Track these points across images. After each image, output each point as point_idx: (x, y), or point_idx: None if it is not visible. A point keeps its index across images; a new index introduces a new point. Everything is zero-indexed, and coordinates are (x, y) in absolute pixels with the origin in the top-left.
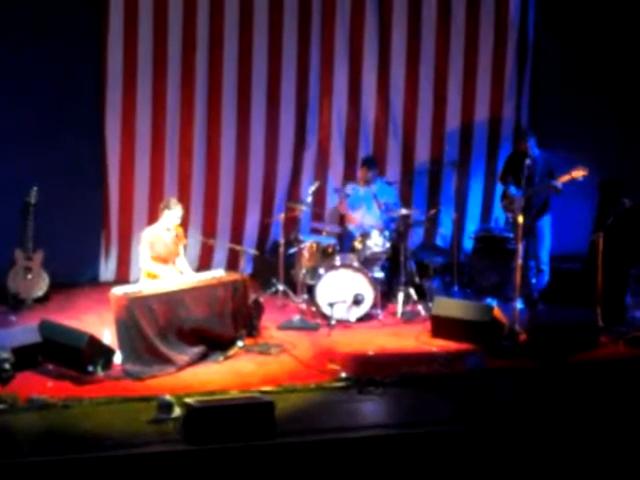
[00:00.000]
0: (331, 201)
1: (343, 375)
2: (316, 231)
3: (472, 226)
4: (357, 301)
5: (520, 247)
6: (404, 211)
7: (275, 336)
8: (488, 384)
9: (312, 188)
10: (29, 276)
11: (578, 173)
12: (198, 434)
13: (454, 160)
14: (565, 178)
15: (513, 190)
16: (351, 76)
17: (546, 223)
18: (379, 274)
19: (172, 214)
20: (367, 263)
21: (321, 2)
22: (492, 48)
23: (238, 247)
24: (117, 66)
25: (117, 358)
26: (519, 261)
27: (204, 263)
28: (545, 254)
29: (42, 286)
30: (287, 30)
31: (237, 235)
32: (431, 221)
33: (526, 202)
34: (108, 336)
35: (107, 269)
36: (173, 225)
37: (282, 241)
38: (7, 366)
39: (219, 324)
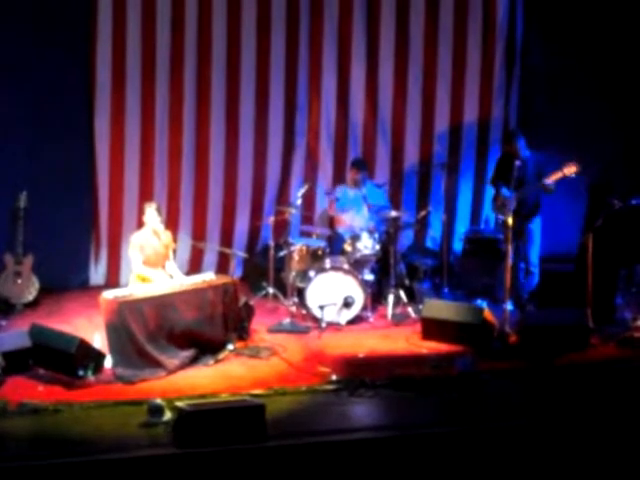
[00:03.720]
0: (321, 204)
1: (334, 378)
2: (306, 234)
3: (462, 228)
4: (347, 304)
5: (510, 248)
6: (394, 213)
7: (265, 339)
8: (479, 386)
9: (301, 191)
10: (19, 280)
11: (570, 170)
12: (189, 438)
13: (443, 162)
14: (557, 175)
15: (505, 191)
16: (340, 78)
17: (536, 225)
18: (369, 276)
19: (148, 216)
20: (357, 265)
21: (309, 4)
22: (480, 50)
23: (228, 250)
24: (106, 69)
25: (108, 362)
26: (509, 262)
27: (194, 266)
28: (535, 256)
29: (32, 290)
30: (275, 32)
31: (227, 238)
32: (421, 223)
33: (518, 204)
34: (98, 340)
35: (97, 273)
36: (157, 226)
37: (272, 244)
38: None
39: (209, 327)
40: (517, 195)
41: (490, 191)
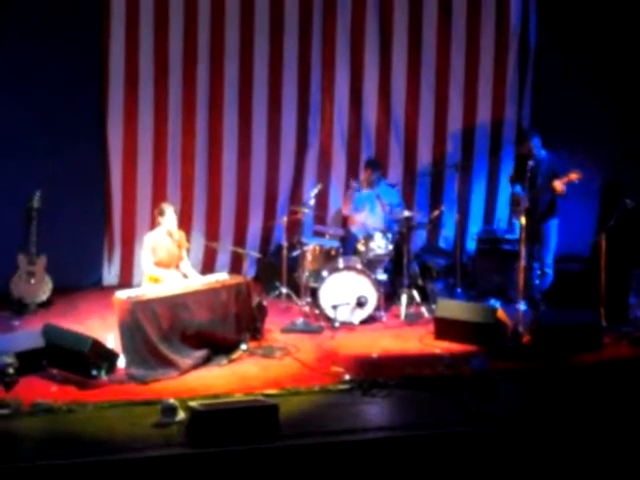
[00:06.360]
0: (334, 204)
1: (347, 378)
2: (319, 234)
3: (475, 228)
4: (360, 303)
5: (523, 248)
6: (407, 213)
7: (279, 339)
8: (492, 386)
9: (314, 191)
10: (32, 281)
11: (573, 176)
12: (202, 437)
13: (456, 162)
14: (563, 180)
15: (518, 189)
16: (352, 78)
17: (552, 227)
18: (382, 276)
19: (167, 218)
20: (370, 265)
21: (322, 4)
22: (493, 50)
23: (241, 250)
24: (119, 71)
25: (121, 362)
26: (522, 262)
27: (207, 266)
28: (550, 257)
29: (45, 290)
30: (288, 33)
31: (240, 238)
32: (434, 223)
33: (531, 204)
34: (112, 340)
35: (110, 273)
36: (172, 227)
37: (285, 244)
38: (11, 371)
39: (222, 327)
40: (529, 194)
41: (504, 191)
